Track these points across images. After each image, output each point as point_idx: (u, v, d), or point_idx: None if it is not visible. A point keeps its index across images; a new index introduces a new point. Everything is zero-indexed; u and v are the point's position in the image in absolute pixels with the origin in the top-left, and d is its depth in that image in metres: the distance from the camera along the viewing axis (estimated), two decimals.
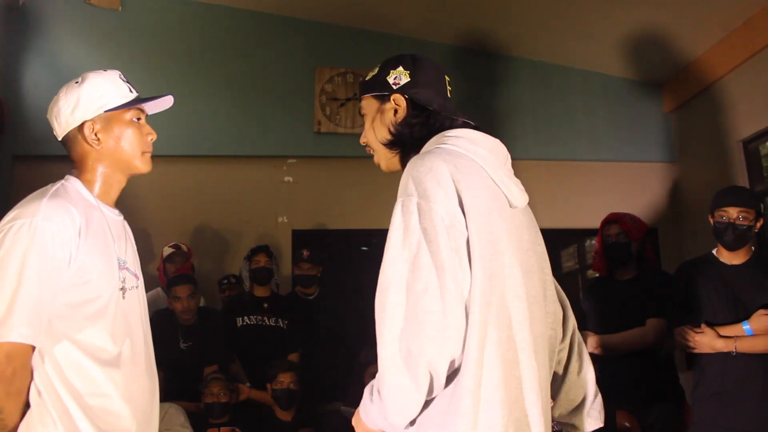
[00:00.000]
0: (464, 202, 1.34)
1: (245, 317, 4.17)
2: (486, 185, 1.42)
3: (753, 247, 3.03)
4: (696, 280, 3.08)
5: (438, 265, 1.27)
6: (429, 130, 1.55)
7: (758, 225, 2.97)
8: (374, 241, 5.44)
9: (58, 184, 1.75)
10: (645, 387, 3.26)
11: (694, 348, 2.94)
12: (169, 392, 3.86)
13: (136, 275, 1.87)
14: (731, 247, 2.98)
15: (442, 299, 1.25)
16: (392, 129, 1.59)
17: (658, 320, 3.24)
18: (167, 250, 4.41)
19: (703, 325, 2.93)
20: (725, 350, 2.85)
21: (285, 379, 3.63)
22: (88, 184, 1.79)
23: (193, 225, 5.02)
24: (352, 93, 5.30)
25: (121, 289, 1.76)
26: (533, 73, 5.53)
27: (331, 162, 5.31)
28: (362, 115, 1.68)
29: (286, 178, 5.27)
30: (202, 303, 4.31)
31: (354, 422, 1.43)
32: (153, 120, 5.29)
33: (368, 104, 1.65)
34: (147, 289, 4.48)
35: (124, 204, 5.24)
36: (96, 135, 1.77)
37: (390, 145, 1.61)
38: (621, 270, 3.50)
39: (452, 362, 1.28)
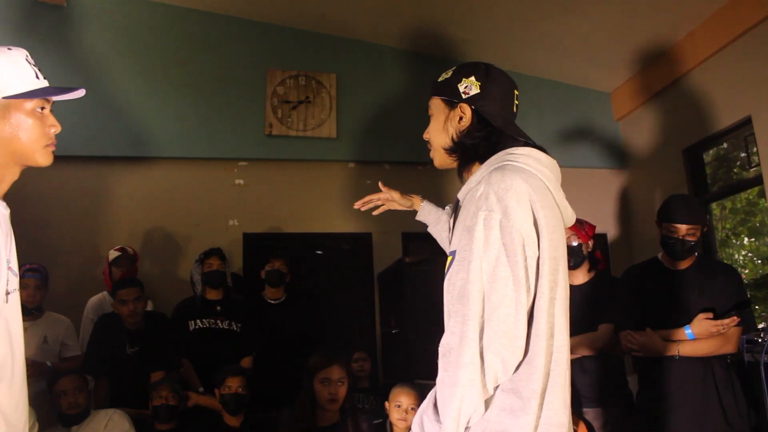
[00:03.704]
0: (538, 222, 1.43)
1: (197, 321, 4.09)
2: (551, 204, 1.51)
3: (696, 252, 3.10)
4: (641, 284, 3.14)
5: (515, 279, 1.37)
6: (490, 146, 1.61)
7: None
8: (327, 245, 5.42)
9: None
10: (595, 391, 3.29)
11: (639, 351, 2.99)
12: (114, 398, 3.79)
13: (17, 275, 1.65)
14: (678, 259, 3.05)
15: (516, 310, 1.36)
16: (455, 137, 1.65)
17: (609, 326, 3.26)
18: (113, 254, 4.30)
19: (647, 329, 2.98)
20: (669, 354, 2.91)
21: (233, 384, 3.56)
22: None
23: (142, 228, 4.92)
24: (304, 96, 5.27)
25: (7, 293, 1.57)
26: None
27: (283, 165, 5.27)
28: (429, 115, 1.72)
29: (237, 181, 5.21)
30: (150, 307, 4.23)
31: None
32: (98, 119, 5.15)
33: (436, 105, 1.71)
34: (93, 293, 4.44)
35: (71, 205, 5.13)
36: None
37: (449, 151, 1.67)
38: (573, 274, 3.43)
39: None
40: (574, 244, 3.38)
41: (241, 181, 5.22)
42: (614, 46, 5.06)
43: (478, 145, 1.62)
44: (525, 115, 5.37)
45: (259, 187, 5.23)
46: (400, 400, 3.06)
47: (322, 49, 5.45)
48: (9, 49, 1.65)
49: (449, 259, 1.48)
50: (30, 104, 1.62)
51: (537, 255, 1.42)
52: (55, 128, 1.67)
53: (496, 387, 1.38)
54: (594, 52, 5.17)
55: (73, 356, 3.98)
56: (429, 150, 1.73)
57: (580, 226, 3.44)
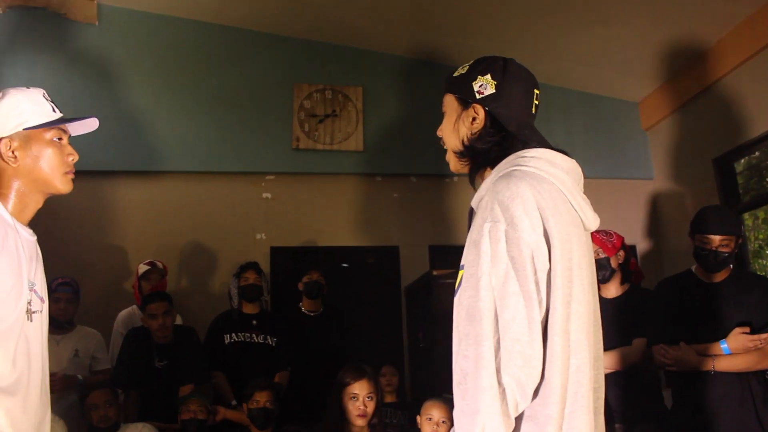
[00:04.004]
0: (548, 231, 1.33)
1: (233, 334, 4.12)
2: (565, 210, 1.40)
3: (731, 265, 3.04)
4: (675, 297, 3.08)
5: (525, 295, 1.27)
6: (503, 152, 1.50)
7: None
8: (354, 258, 5.42)
9: None
10: (629, 406, 3.21)
11: (673, 366, 2.93)
12: (143, 411, 3.81)
13: (42, 299, 1.80)
14: (712, 271, 2.99)
15: (530, 328, 1.26)
16: (466, 141, 1.56)
17: (643, 340, 3.18)
18: (143, 268, 4.34)
19: (681, 343, 2.92)
20: (704, 369, 2.84)
21: (261, 398, 3.57)
22: (3, 201, 1.74)
23: (170, 242, 4.96)
24: (331, 109, 5.29)
25: (27, 311, 1.70)
26: None
27: (310, 178, 5.29)
28: (443, 112, 1.64)
29: (264, 195, 5.23)
30: (178, 321, 4.25)
31: None
32: (128, 134, 5.22)
33: (449, 102, 1.61)
34: (122, 307, 4.49)
35: (101, 220, 5.18)
36: (13, 153, 1.73)
37: (460, 155, 1.59)
38: (604, 288, 3.38)
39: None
40: (601, 257, 3.31)
41: (269, 195, 5.25)
42: (642, 56, 5.02)
43: (490, 150, 1.52)
44: (552, 125, 5.37)
45: (287, 200, 5.25)
46: (431, 414, 3.05)
47: (348, 62, 5.47)
48: (27, 88, 1.81)
49: (460, 273, 1.39)
50: (48, 135, 1.78)
51: (548, 267, 1.32)
52: (73, 156, 1.82)
53: (520, 416, 1.28)
54: (621, 61, 5.13)
55: (104, 369, 4.02)
56: (444, 147, 1.65)
57: (606, 238, 3.36)
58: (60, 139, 1.80)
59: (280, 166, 5.23)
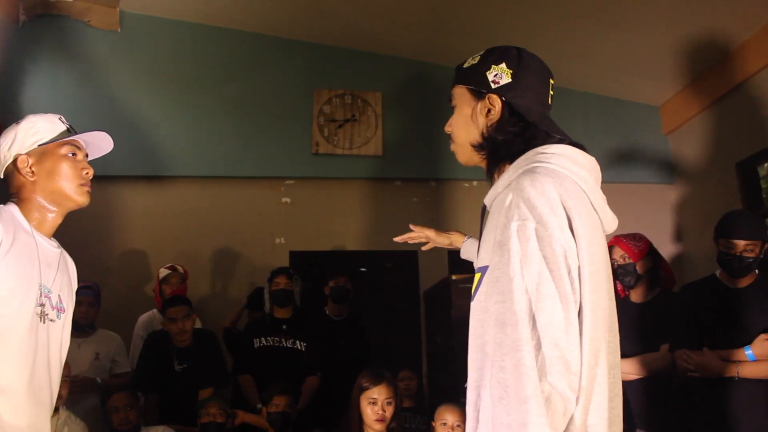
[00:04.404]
0: (575, 231, 1.26)
1: (262, 338, 4.14)
2: (587, 211, 1.32)
3: (757, 270, 3.00)
4: (698, 302, 3.04)
5: (562, 296, 1.20)
6: (525, 143, 1.42)
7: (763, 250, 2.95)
8: (373, 262, 5.42)
9: None
10: (654, 412, 3.17)
11: (696, 372, 2.90)
12: (162, 414, 3.84)
13: (60, 308, 1.88)
14: (736, 276, 2.96)
15: (567, 332, 1.19)
16: (485, 133, 1.48)
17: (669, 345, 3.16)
18: (163, 272, 4.37)
19: (704, 349, 2.88)
20: (728, 375, 2.81)
21: (280, 402, 3.58)
22: (25, 213, 1.85)
23: (190, 246, 4.99)
24: (350, 114, 5.30)
25: (41, 314, 1.78)
26: None
27: (329, 183, 5.30)
28: (452, 106, 1.57)
29: (284, 200, 5.25)
30: (198, 325, 4.27)
31: None
32: (147, 139, 5.25)
33: (460, 95, 1.54)
34: (143, 311, 4.53)
35: (122, 224, 5.22)
36: (30, 168, 1.85)
37: (478, 148, 1.51)
38: (632, 292, 3.36)
39: None
40: (626, 262, 3.28)
41: (288, 200, 5.26)
42: (662, 60, 4.97)
43: (511, 141, 1.44)
44: (572, 130, 5.29)
45: (306, 205, 5.26)
46: (445, 418, 3.04)
47: (367, 67, 5.48)
48: (45, 113, 1.94)
49: (477, 276, 1.32)
50: (62, 150, 1.88)
51: (578, 266, 1.24)
52: (88, 171, 1.91)
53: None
54: (642, 65, 5.09)
55: (124, 373, 4.05)
56: (451, 144, 1.59)
57: (634, 243, 3.32)
58: (74, 154, 1.89)
59: (300, 170, 5.25)
